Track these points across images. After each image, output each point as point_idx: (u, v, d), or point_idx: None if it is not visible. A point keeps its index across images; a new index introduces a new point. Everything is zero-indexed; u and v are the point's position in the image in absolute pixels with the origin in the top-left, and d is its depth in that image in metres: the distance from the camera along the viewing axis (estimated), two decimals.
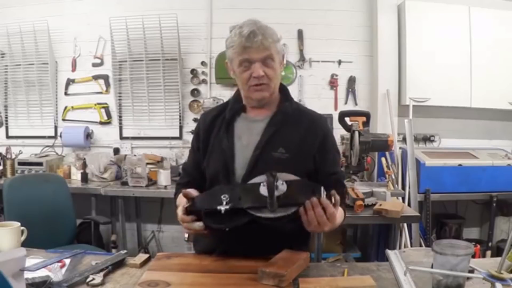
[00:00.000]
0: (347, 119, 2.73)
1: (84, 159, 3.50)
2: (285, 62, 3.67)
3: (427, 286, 1.18)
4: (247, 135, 1.42)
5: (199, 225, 1.24)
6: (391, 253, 1.45)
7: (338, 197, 1.17)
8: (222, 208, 1.19)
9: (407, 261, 1.38)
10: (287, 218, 1.15)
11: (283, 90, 1.49)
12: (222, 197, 1.20)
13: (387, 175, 3.22)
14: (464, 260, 1.11)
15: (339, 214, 1.35)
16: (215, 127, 1.47)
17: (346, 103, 3.75)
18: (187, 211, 1.26)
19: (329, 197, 1.17)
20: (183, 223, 1.27)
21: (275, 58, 1.36)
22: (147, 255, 1.44)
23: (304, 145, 1.40)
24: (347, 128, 2.68)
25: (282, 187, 1.17)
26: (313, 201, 1.14)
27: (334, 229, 1.28)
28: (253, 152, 1.38)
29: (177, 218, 1.30)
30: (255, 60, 1.33)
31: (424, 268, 1.18)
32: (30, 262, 1.26)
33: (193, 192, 1.31)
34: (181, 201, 1.34)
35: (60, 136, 3.74)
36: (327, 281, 1.21)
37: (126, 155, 3.48)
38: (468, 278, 1.16)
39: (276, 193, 1.15)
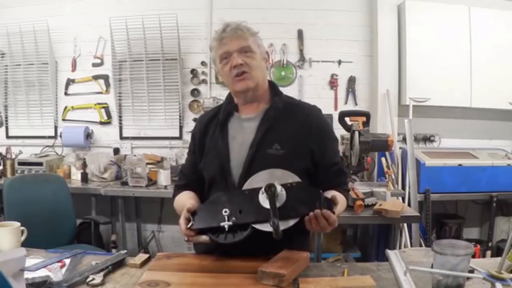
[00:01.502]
0: (347, 119, 2.73)
1: (84, 159, 3.50)
2: (283, 63, 3.68)
3: (427, 286, 1.17)
4: (241, 134, 1.42)
5: (205, 239, 1.26)
6: (391, 253, 1.45)
7: (338, 201, 1.21)
8: (225, 225, 1.21)
9: (407, 261, 1.38)
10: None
11: (272, 86, 1.50)
12: (223, 212, 1.21)
13: (387, 175, 3.22)
14: (464, 260, 1.11)
15: (342, 203, 1.35)
16: (210, 129, 1.48)
17: (346, 103, 3.75)
18: (190, 229, 1.27)
19: (328, 200, 1.20)
20: (188, 238, 1.28)
21: (254, 50, 1.39)
22: (147, 255, 1.44)
23: (299, 139, 1.39)
24: (347, 128, 2.68)
25: (281, 194, 1.18)
26: (316, 213, 1.16)
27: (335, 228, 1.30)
28: (248, 150, 1.38)
29: (180, 228, 1.30)
30: (232, 51, 1.36)
31: (424, 268, 1.18)
32: (30, 262, 1.26)
33: (195, 205, 1.32)
34: (181, 207, 1.35)
35: (60, 136, 3.74)
36: (327, 281, 1.21)
37: (126, 155, 3.48)
38: (468, 278, 1.15)
39: (277, 204, 1.16)
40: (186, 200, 1.40)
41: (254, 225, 1.19)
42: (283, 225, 1.15)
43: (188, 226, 1.27)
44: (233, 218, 1.21)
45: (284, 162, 1.34)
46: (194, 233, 1.27)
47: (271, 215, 1.15)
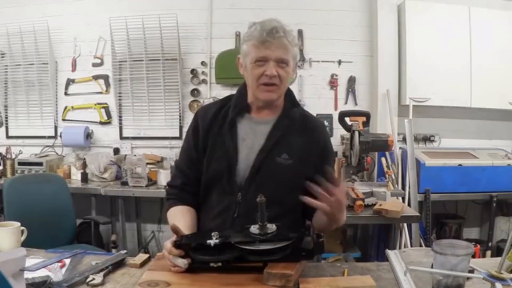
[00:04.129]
0: (347, 119, 2.74)
1: (84, 159, 3.50)
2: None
3: (427, 286, 1.17)
4: (251, 137, 1.40)
5: (183, 261, 1.20)
6: (391, 253, 1.45)
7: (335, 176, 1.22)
8: (212, 242, 1.17)
9: (407, 261, 1.38)
10: (275, 253, 1.16)
11: (289, 95, 1.48)
12: (212, 234, 1.19)
13: (387, 175, 3.23)
14: (464, 260, 1.11)
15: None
16: (216, 125, 1.43)
17: (346, 103, 3.75)
18: (176, 245, 1.23)
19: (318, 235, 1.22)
20: (170, 255, 1.22)
21: (290, 63, 1.35)
22: (147, 255, 1.44)
23: (306, 151, 1.40)
24: (347, 128, 2.68)
25: (272, 227, 1.19)
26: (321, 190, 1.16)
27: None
28: (258, 155, 1.36)
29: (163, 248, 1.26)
30: (271, 59, 1.31)
31: (424, 268, 1.18)
32: (30, 262, 1.26)
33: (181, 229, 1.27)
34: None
35: (60, 136, 3.74)
36: (327, 281, 1.21)
37: (126, 155, 3.49)
38: (468, 278, 1.15)
39: (268, 231, 1.18)
40: (179, 223, 1.34)
41: (240, 245, 1.17)
42: (271, 245, 1.16)
43: (174, 239, 1.23)
44: (221, 238, 1.18)
45: (291, 172, 1.36)
46: (178, 253, 1.21)
47: (259, 219, 1.16)
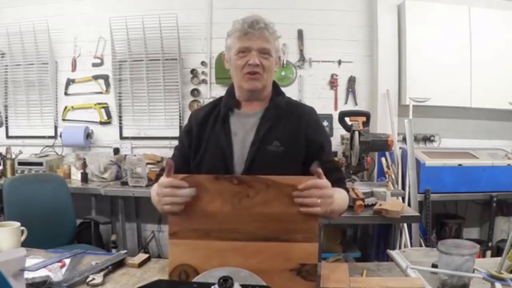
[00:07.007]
0: (347, 119, 2.73)
1: (84, 159, 3.50)
2: (283, 63, 3.67)
3: (428, 286, 1.17)
4: (242, 131, 1.43)
5: (191, 190, 1.14)
6: (394, 253, 1.45)
7: (320, 170, 1.15)
8: None
9: (408, 261, 1.38)
10: None
11: (274, 86, 1.51)
12: None
13: (387, 175, 3.22)
14: (468, 260, 1.12)
15: (343, 199, 1.35)
16: (208, 124, 1.46)
17: (346, 103, 3.75)
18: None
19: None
20: (165, 189, 1.15)
21: (272, 53, 1.39)
22: (146, 255, 1.44)
23: (296, 136, 1.41)
24: (347, 128, 2.68)
25: None
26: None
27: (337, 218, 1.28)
28: (250, 148, 1.39)
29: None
30: (253, 49, 1.35)
31: (427, 268, 1.18)
32: (30, 262, 1.26)
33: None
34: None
35: (60, 136, 3.74)
36: (377, 281, 1.21)
37: (126, 155, 3.48)
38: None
39: None
40: None
41: None
42: None
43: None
44: None
45: (284, 158, 1.37)
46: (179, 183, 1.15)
47: None
